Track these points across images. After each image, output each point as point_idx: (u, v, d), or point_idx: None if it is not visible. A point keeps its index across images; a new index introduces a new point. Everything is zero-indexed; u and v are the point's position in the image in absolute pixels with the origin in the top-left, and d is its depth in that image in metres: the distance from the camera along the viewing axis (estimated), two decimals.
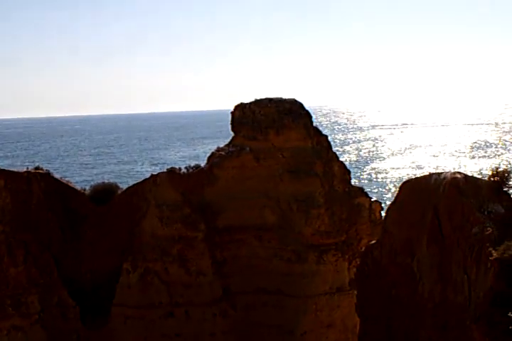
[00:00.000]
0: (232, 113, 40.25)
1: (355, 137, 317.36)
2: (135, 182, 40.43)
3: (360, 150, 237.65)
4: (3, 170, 37.65)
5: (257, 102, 39.31)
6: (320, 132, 39.51)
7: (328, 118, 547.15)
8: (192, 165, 39.73)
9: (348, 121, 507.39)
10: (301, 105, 39.44)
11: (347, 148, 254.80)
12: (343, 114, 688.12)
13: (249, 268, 37.68)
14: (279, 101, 39.11)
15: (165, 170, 38.76)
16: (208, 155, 40.27)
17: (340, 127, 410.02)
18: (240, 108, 39.75)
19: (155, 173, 39.07)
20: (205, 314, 36.35)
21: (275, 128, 38.27)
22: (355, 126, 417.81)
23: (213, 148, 41.51)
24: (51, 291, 36.27)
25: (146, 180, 38.81)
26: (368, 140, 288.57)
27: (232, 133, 40.36)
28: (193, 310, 36.37)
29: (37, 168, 39.35)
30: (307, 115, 39.17)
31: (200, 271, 36.47)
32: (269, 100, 39.24)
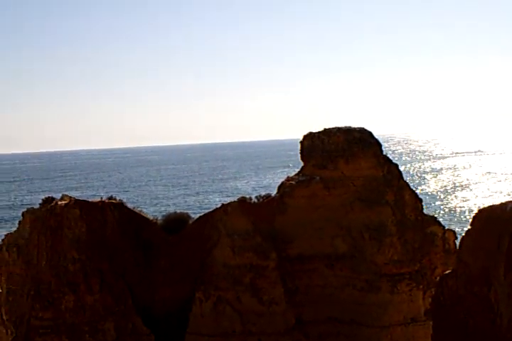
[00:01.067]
0: (301, 142, 40.47)
1: (432, 165, 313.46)
2: (206, 211, 40.83)
3: (437, 179, 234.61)
4: (78, 200, 38.62)
5: (326, 131, 39.44)
6: (390, 161, 39.28)
7: (401, 146, 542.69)
8: (262, 194, 39.99)
9: (421, 148, 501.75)
10: (370, 133, 39.37)
11: (426, 176, 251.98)
12: (416, 141, 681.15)
13: (321, 297, 37.42)
14: (348, 130, 39.15)
15: (236, 200, 39.09)
16: (278, 184, 40.45)
17: (414, 155, 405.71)
18: (309, 137, 39.95)
19: (226, 203, 39.43)
20: None
21: (345, 157, 38.28)
22: (430, 154, 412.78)
23: (283, 177, 41.71)
24: (126, 319, 36.77)
25: (217, 209, 39.18)
26: (444, 168, 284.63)
27: (301, 163, 40.54)
28: (266, 339, 36.22)
29: (110, 198, 40.24)
30: (376, 143, 39.05)
31: (273, 300, 36.39)
32: (338, 129, 39.31)
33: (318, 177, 38.44)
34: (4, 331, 38.59)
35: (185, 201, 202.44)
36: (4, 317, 38.30)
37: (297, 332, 36.59)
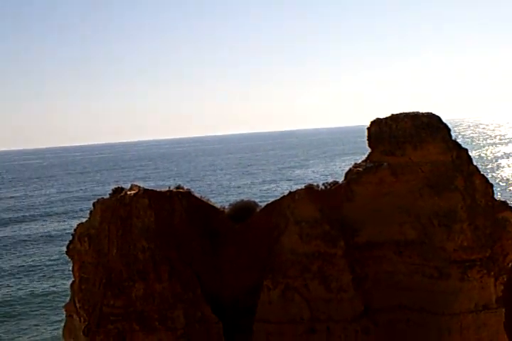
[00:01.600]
0: (368, 128, 40.02)
1: (505, 150, 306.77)
2: (273, 199, 40.82)
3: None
4: (147, 189, 39.11)
5: (393, 117, 38.87)
6: (459, 145, 38.45)
7: (472, 131, 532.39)
8: (329, 181, 39.72)
9: (493, 133, 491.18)
10: (438, 118, 38.59)
11: (499, 161, 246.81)
12: (487, 125, 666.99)
13: (390, 284, 37.06)
14: (415, 116, 38.49)
15: (303, 187, 38.94)
16: (346, 171, 40.13)
17: (485, 140, 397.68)
18: (376, 123, 39.46)
19: (293, 190, 39.31)
20: (346, 330, 36.01)
21: (413, 143, 37.67)
22: (503, 138, 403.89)
23: (350, 164, 41.38)
24: (195, 307, 37.15)
25: (284, 197, 39.11)
26: None
27: (369, 149, 40.12)
28: (334, 326, 36.12)
29: (178, 187, 40.62)
30: (445, 128, 38.26)
31: (341, 287, 36.22)
32: (405, 115, 38.69)
33: (386, 164, 37.97)
34: (78, 318, 39.53)
35: (252, 190, 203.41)
36: (77, 305, 39.20)
37: (366, 319, 36.35)
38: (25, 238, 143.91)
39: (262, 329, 36.99)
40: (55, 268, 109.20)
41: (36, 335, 77.17)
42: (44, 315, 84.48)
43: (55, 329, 72.78)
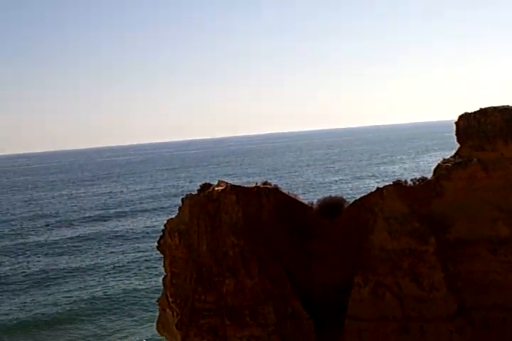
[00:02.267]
0: (456, 123, 39.17)
1: None
2: (361, 195, 40.58)
3: None
4: (234, 185, 39.48)
5: (482, 111, 37.89)
6: None
7: None
8: (418, 177, 39.18)
9: None
10: None
11: None
12: None
13: (484, 282, 36.15)
14: (505, 109, 37.41)
15: (391, 183, 38.55)
16: (434, 167, 39.48)
17: None
18: (465, 118, 38.58)
19: (381, 186, 38.97)
20: (440, 330, 35.37)
21: (503, 138, 36.70)
22: None
23: (438, 160, 40.71)
24: (285, 303, 37.29)
25: (372, 193, 38.77)
26: None
27: (457, 144, 39.37)
28: (427, 326, 35.53)
29: (265, 183, 40.81)
30: None
31: (433, 285, 35.60)
32: (495, 108, 37.67)
33: (475, 159, 37.14)
34: (170, 313, 40.37)
35: (339, 186, 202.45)
36: (169, 300, 40.01)
37: (460, 318, 35.62)
38: (117, 234, 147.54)
39: (353, 327, 36.80)
40: (147, 264, 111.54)
41: (131, 330, 79.12)
42: (137, 310, 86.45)
43: (149, 325, 74.42)
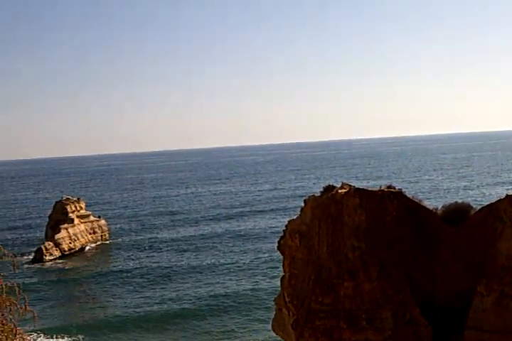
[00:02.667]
0: None
1: None
2: (488, 202, 39.12)
3: None
4: (358, 188, 39.04)
5: None
6: None
7: None
8: None
9: None
10: None
11: None
12: None
13: None
14: None
15: None
16: None
17: None
18: None
19: (510, 194, 37.43)
20: None
21: None
22: None
23: None
24: (404, 308, 36.49)
25: (501, 199, 37.29)
26: None
27: None
28: None
29: (389, 187, 40.12)
30: None
31: None
32: None
33: None
34: (286, 312, 40.42)
35: (467, 192, 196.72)
36: (286, 300, 40.05)
37: None
38: (239, 233, 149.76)
39: (473, 337, 35.49)
40: (267, 265, 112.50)
41: (248, 328, 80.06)
42: (255, 309, 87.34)
43: (266, 325, 75.01)
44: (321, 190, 40.68)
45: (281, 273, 43.05)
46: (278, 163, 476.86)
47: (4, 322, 8.17)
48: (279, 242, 42.40)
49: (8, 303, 8.13)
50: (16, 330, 8.21)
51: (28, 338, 8.12)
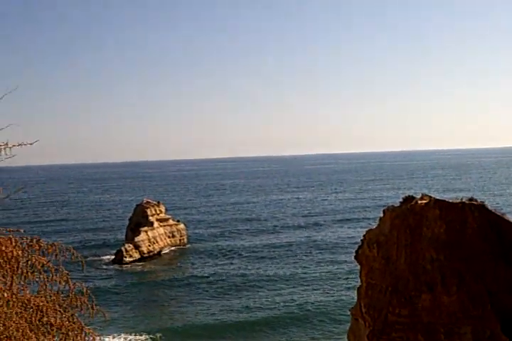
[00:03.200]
0: None
1: None
2: None
3: None
4: (438, 199, 38.47)
5: None
6: None
7: None
8: None
9: None
10: None
11: None
12: None
13: None
14: None
15: None
16: None
17: None
18: None
19: None
20: None
21: None
22: None
23: None
24: (483, 324, 35.67)
25: None
26: None
27: None
28: None
29: (471, 199, 39.36)
30: None
31: None
32: None
33: None
34: (362, 323, 40.10)
35: None
36: (363, 310, 39.74)
37: None
38: (316, 243, 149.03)
39: None
40: (342, 276, 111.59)
41: (322, 338, 79.71)
42: (328, 322, 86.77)
43: (340, 338, 74.51)
44: (401, 200, 40.29)
45: (358, 284, 42.77)
46: (358, 172, 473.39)
47: (75, 321, 8.44)
48: (356, 252, 42.16)
49: (79, 303, 8.41)
50: (86, 329, 8.47)
51: (98, 338, 8.36)
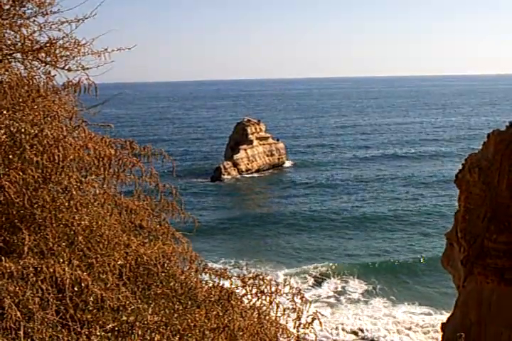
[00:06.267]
0: None
1: None
2: None
3: None
4: None
5: None
6: None
7: None
8: None
9: None
10: None
11: None
12: None
13: None
14: None
15: None
16: None
17: None
18: None
19: None
20: None
21: None
22: None
23: None
24: None
25: None
26: None
27: None
28: None
29: None
30: None
31: None
32: None
33: None
34: (457, 248, 39.63)
35: None
36: (458, 235, 39.18)
37: None
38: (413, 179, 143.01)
39: None
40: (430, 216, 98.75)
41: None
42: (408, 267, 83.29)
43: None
44: (507, 124, 38.75)
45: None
46: (464, 96, 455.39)
47: (164, 224, 8.48)
48: (456, 176, 41.19)
49: (167, 206, 8.43)
50: (176, 234, 8.51)
51: (184, 241, 8.36)
